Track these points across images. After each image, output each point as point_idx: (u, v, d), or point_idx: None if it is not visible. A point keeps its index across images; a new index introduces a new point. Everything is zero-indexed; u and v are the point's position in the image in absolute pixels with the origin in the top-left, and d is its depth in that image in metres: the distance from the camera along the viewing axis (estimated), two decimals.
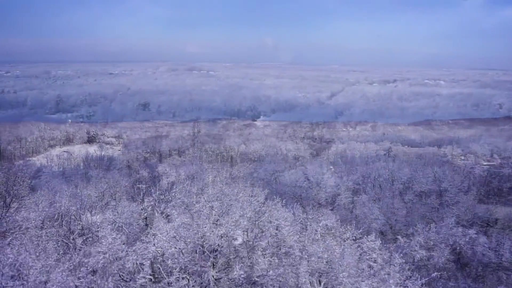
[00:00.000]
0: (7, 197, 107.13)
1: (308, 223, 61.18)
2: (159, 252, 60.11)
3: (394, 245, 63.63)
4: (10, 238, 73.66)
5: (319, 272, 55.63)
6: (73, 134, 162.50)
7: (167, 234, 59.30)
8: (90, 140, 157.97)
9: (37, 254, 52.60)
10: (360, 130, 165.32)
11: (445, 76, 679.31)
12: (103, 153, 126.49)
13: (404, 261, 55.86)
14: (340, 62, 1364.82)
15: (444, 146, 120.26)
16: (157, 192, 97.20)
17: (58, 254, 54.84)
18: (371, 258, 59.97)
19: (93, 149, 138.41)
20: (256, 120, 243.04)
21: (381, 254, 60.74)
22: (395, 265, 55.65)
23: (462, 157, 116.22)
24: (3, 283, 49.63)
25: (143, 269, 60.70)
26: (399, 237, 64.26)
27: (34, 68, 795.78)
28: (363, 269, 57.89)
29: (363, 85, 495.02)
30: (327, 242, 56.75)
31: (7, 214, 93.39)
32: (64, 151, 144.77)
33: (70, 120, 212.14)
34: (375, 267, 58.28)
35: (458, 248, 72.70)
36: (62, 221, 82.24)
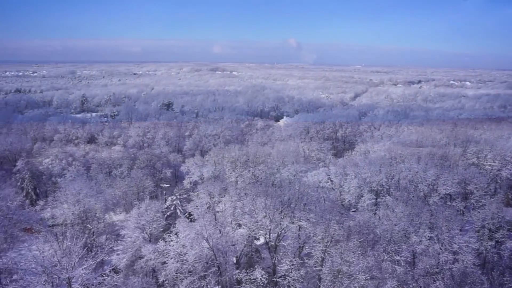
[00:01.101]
0: (33, 195, 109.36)
1: (331, 225, 60.93)
2: (181, 251, 60.49)
3: (419, 247, 62.98)
4: (36, 235, 74.93)
5: (341, 274, 55.26)
6: (98, 133, 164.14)
7: (189, 233, 59.66)
8: (113, 140, 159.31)
9: (62, 251, 53.46)
10: (384, 131, 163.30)
11: (472, 77, 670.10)
12: (126, 152, 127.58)
13: (428, 265, 55.27)
14: (364, 63, 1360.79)
15: (470, 148, 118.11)
16: (180, 192, 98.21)
17: (82, 251, 55.68)
18: (394, 260, 59.49)
19: (117, 148, 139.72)
20: (279, 121, 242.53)
21: (404, 256, 60.24)
22: (419, 268, 55.02)
23: (489, 159, 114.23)
24: (28, 279, 50.47)
25: (165, 267, 61.19)
26: (423, 239, 63.50)
27: (60, 68, 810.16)
28: (386, 270, 57.44)
29: (387, 86, 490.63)
30: (350, 244, 56.47)
31: (34, 212, 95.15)
32: (89, 150, 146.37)
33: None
34: (398, 269, 57.77)
35: (483, 252, 71.61)
36: (87, 219, 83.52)
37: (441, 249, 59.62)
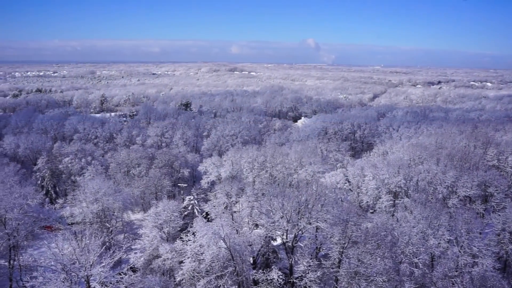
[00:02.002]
0: (53, 193, 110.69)
1: (349, 226, 60.63)
2: (199, 250, 60.70)
3: (438, 250, 62.37)
4: (55, 233, 75.81)
5: (358, 276, 54.99)
6: (116, 132, 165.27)
7: (207, 233, 59.83)
8: (131, 139, 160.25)
9: (80, 249, 54.02)
10: (402, 132, 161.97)
11: (493, 78, 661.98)
12: (144, 152, 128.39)
13: (446, 268, 54.63)
14: (383, 63, 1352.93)
15: (491, 149, 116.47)
16: (198, 191, 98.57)
17: (100, 250, 56.20)
18: (412, 263, 58.96)
19: (135, 148, 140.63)
20: (297, 121, 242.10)
21: (422, 259, 59.65)
22: (437, 271, 54.45)
23: (510, 162, 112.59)
24: (47, 276, 51.08)
25: (182, 267, 61.45)
26: (442, 242, 62.89)
27: (80, 68, 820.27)
28: (404, 272, 56.99)
29: (407, 87, 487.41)
30: (367, 245, 56.14)
31: (53, 210, 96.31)
32: (108, 149, 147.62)
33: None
34: (416, 272, 57.25)
35: (504, 256, 70.61)
36: (105, 217, 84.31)
37: (460, 252, 58.93)
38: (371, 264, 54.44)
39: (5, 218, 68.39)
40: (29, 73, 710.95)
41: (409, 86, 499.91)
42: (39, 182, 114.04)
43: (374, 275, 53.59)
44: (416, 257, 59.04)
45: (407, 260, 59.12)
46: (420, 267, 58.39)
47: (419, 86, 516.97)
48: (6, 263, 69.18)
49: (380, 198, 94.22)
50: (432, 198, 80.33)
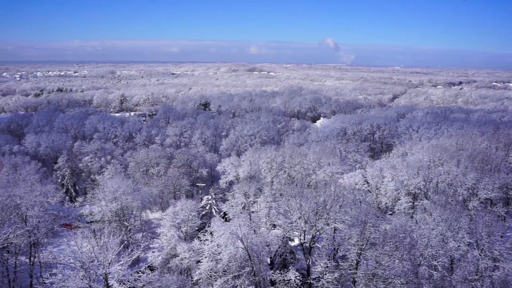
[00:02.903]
0: (73, 192, 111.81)
1: (367, 227, 60.20)
2: (216, 250, 60.83)
3: (458, 253, 61.58)
4: (75, 230, 76.59)
5: (376, 278, 54.55)
6: (136, 132, 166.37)
7: (224, 233, 59.92)
8: (150, 139, 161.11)
9: (99, 247, 54.47)
10: (422, 133, 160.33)
11: None
12: (163, 151, 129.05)
13: (466, 271, 53.89)
14: (403, 64, 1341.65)
15: None
16: (216, 191, 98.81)
17: (119, 248, 56.60)
18: (431, 265, 58.29)
19: (154, 147, 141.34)
20: (316, 122, 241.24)
21: (441, 262, 58.93)
22: (457, 274, 53.72)
23: None
24: (66, 273, 51.59)
25: (199, 266, 61.64)
26: (462, 245, 62.09)
27: (100, 68, 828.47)
28: (423, 275, 56.36)
29: (427, 87, 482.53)
30: (385, 247, 55.65)
31: (73, 208, 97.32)
32: (127, 149, 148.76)
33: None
34: (435, 275, 56.55)
35: None
36: (124, 216, 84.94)
37: (480, 255, 58.10)
38: (389, 266, 53.97)
39: (26, 216, 69.35)
40: (50, 72, 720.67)
41: (430, 87, 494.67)
42: (59, 180, 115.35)
43: (392, 277, 53.12)
44: (435, 260, 58.34)
45: (426, 263, 58.46)
46: (439, 270, 57.68)
47: (440, 86, 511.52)
48: (26, 260, 70.11)
49: (399, 199, 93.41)
50: (452, 200, 79.32)
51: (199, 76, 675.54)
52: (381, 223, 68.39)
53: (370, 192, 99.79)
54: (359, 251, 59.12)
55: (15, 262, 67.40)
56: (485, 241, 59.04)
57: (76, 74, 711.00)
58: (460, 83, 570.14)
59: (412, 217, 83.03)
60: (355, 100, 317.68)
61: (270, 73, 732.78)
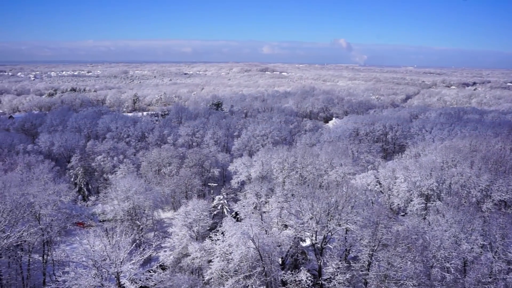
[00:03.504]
0: (85, 190, 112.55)
1: (379, 228, 59.91)
2: (227, 250, 60.85)
3: (471, 255, 61.03)
4: (87, 229, 77.13)
5: (387, 279, 54.25)
6: (148, 131, 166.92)
7: (236, 232, 59.92)
8: (163, 138, 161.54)
9: (111, 246, 54.78)
10: (435, 134, 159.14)
11: None
12: (175, 151, 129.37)
13: (480, 274, 53.39)
14: (416, 64, 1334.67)
15: None
16: (227, 191, 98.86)
17: (131, 247, 56.88)
18: (444, 267, 57.82)
19: (166, 147, 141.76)
20: (328, 122, 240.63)
21: (454, 264, 58.43)
22: (470, 276, 53.24)
23: None
24: (79, 271, 51.95)
25: (211, 266, 61.70)
26: (475, 247, 61.54)
27: (113, 68, 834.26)
28: (435, 277, 55.91)
29: (440, 88, 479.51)
30: (397, 248, 55.33)
31: (85, 207, 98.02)
32: (139, 148, 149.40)
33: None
34: (448, 277, 56.10)
35: None
36: (136, 215, 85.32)
37: (494, 257, 57.52)
38: (401, 268, 53.66)
39: (39, 214, 70.05)
40: (64, 72, 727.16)
41: (443, 87, 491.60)
42: (72, 179, 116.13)
43: (404, 279, 52.81)
44: (448, 262, 57.86)
45: (438, 265, 57.99)
46: (452, 272, 57.19)
47: (453, 87, 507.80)
48: (40, 258, 70.82)
49: (411, 200, 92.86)
50: (465, 202, 78.64)
51: (212, 76, 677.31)
52: (393, 224, 68.01)
53: (382, 193, 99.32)
54: (371, 252, 58.87)
55: (29, 260, 68.19)
56: (499, 243, 58.45)
57: (90, 74, 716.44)
58: (474, 83, 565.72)
59: (424, 218, 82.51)
60: (367, 101, 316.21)
61: (283, 73, 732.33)
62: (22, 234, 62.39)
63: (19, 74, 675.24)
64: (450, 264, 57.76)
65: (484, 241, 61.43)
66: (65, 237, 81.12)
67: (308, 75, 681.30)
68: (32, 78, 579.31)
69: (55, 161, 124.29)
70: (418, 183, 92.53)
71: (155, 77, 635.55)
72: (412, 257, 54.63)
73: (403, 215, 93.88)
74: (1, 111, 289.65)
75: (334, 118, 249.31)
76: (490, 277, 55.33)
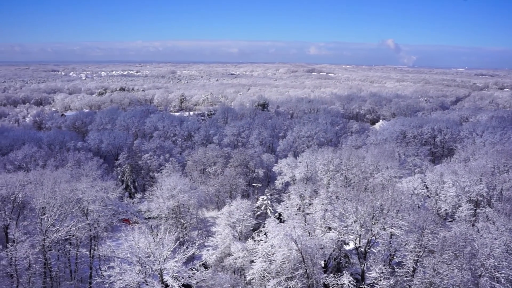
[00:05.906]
0: (132, 188, 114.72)
1: (425, 234, 58.48)
2: (270, 251, 60.74)
3: None
4: (133, 226, 78.66)
5: (433, 286, 52.87)
6: (194, 131, 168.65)
7: (278, 234, 59.74)
8: (208, 138, 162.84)
9: (155, 243, 55.63)
10: (487, 137, 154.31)
11: None
12: (221, 151, 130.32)
13: None
14: (468, 66, 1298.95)
15: None
16: (271, 192, 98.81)
17: (174, 245, 57.62)
18: (493, 277, 55.89)
19: (212, 146, 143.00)
20: (375, 124, 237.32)
21: (505, 274, 56.34)
22: None
23: None
24: (124, 267, 52.98)
25: (253, 266, 61.73)
26: None
27: (161, 68, 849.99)
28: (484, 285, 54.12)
29: (492, 90, 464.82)
30: (444, 255, 53.85)
31: (131, 204, 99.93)
32: (185, 147, 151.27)
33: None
34: (498, 287, 54.17)
35: None
36: (180, 214, 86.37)
37: None
38: (447, 275, 52.17)
39: (87, 210, 72.07)
40: (114, 72, 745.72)
41: (495, 90, 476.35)
42: (119, 176, 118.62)
43: (451, 287, 51.33)
44: (498, 272, 55.81)
45: (487, 274, 56.01)
46: (502, 282, 55.11)
47: (507, 89, 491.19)
48: (87, 252, 72.76)
49: (459, 206, 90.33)
50: None
51: (258, 76, 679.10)
52: (440, 230, 66.16)
53: (429, 197, 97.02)
54: (416, 258, 57.52)
55: (76, 253, 70.29)
56: None
57: (138, 73, 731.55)
58: None
59: (473, 225, 80.00)
60: (416, 103, 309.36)
61: (329, 74, 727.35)
62: (70, 228, 64.36)
63: (71, 73, 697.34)
64: (500, 274, 55.67)
65: None
66: (111, 233, 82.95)
67: (355, 76, 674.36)
68: (84, 78, 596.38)
69: (103, 158, 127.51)
70: (467, 188, 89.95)
71: (202, 77, 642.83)
72: (459, 265, 53.05)
73: (450, 221, 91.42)
74: (54, 109, 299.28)
75: (381, 120, 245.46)
76: None
